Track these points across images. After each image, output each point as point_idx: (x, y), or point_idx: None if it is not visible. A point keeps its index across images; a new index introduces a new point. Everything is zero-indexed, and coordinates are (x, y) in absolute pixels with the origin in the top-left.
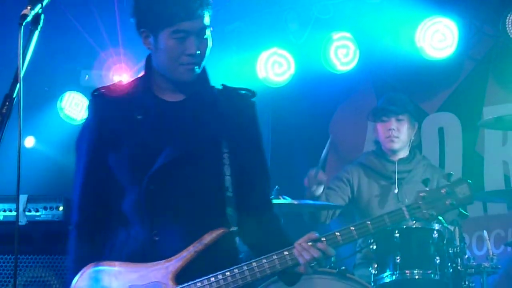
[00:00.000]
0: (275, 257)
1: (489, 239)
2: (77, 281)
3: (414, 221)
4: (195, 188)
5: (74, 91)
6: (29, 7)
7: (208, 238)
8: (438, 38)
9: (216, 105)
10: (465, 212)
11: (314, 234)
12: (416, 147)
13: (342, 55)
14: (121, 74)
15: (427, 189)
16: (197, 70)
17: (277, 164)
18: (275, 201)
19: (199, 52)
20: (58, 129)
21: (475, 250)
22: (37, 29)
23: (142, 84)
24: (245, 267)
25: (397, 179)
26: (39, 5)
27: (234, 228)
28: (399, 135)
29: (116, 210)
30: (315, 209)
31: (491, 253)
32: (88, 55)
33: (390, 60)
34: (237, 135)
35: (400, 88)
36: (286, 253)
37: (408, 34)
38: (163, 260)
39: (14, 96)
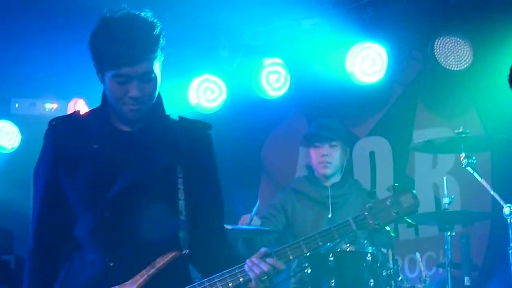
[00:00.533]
0: (226, 275)
1: (421, 261)
2: None
3: (348, 244)
4: (149, 213)
5: (3, 120)
6: None
7: (160, 261)
8: (368, 63)
9: (171, 134)
10: (411, 222)
11: (265, 249)
12: (347, 171)
13: (274, 81)
14: (53, 103)
15: (372, 200)
16: (143, 109)
17: None
18: None
19: (141, 94)
20: None
21: (408, 272)
22: None
23: (99, 114)
24: (198, 287)
25: (331, 204)
26: None
27: (186, 251)
28: (332, 161)
29: (72, 237)
30: (250, 235)
31: (423, 275)
32: (18, 83)
33: (321, 86)
34: (192, 162)
35: (331, 113)
36: (237, 270)
37: (339, 60)
38: (117, 286)
39: None
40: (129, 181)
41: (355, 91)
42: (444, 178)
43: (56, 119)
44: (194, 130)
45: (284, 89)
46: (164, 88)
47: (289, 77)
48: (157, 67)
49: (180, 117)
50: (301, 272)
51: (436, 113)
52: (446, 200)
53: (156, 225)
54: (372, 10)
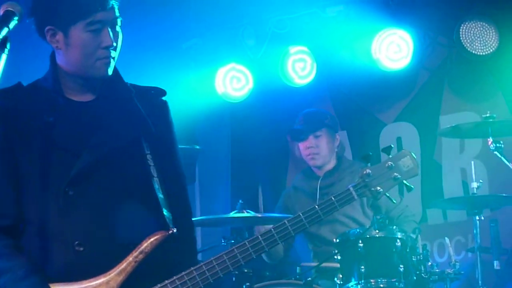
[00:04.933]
0: (225, 257)
1: (450, 246)
2: None
3: (377, 230)
4: (123, 191)
5: None
6: None
7: (148, 245)
8: (394, 50)
9: (132, 104)
10: (410, 185)
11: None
12: (342, 155)
13: (300, 68)
14: None
15: (369, 165)
16: (113, 64)
17: (238, 178)
18: (239, 215)
19: (115, 44)
20: None
21: (437, 257)
22: (4, 52)
23: (49, 84)
24: (186, 277)
25: (319, 195)
26: (6, 29)
27: (174, 230)
28: (319, 151)
29: (28, 221)
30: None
31: (453, 260)
32: None
33: (347, 73)
34: (154, 135)
35: (357, 99)
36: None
37: (364, 46)
38: (101, 275)
39: None
40: (95, 155)
41: (381, 77)
42: (472, 162)
43: None
44: (150, 98)
45: (311, 77)
46: (190, 78)
47: (315, 64)
48: None
49: (132, 85)
50: (330, 259)
51: (463, 98)
52: (474, 185)
53: (134, 203)
54: None
